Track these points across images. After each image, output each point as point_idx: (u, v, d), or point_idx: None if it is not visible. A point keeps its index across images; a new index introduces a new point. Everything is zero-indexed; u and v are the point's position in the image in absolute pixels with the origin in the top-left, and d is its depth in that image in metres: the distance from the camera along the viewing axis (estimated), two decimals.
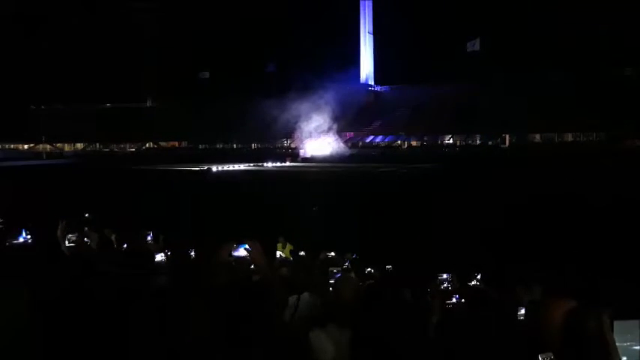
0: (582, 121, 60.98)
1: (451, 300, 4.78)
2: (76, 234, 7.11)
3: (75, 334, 2.84)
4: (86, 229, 8.54)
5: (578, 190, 23.03)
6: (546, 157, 48.15)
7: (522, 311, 4.68)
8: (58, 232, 5.94)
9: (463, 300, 4.39)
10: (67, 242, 6.08)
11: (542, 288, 5.26)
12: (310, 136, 72.66)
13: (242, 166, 51.36)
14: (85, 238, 7.07)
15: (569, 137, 66.93)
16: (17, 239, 6.25)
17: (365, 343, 2.93)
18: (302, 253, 9.52)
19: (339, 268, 6.02)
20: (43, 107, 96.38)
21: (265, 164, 55.40)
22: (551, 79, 68.24)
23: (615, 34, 66.21)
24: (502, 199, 20.83)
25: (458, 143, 73.36)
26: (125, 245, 6.77)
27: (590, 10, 67.60)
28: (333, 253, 8.85)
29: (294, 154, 67.19)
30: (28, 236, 6.47)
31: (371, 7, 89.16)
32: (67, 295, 3.25)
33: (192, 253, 6.50)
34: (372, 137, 77.97)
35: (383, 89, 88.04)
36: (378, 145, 75.95)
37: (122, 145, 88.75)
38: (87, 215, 11.42)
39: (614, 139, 56.78)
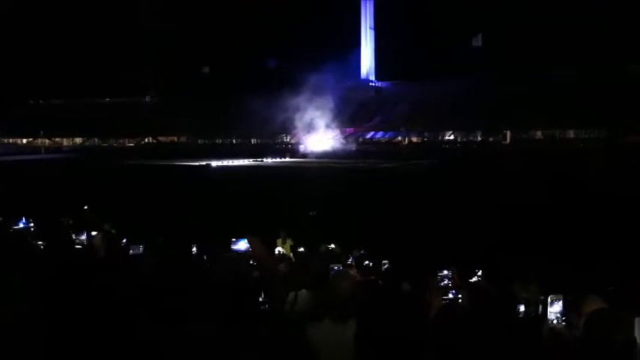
0: (584, 118, 60.90)
1: (448, 295, 4.78)
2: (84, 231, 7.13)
3: (74, 328, 2.83)
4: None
5: (580, 187, 23.05)
6: (548, 154, 48.15)
7: (522, 308, 4.68)
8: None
9: (460, 296, 4.39)
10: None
11: (538, 286, 5.27)
12: (310, 131, 72.62)
13: (242, 162, 51.35)
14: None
15: (572, 134, 66.86)
16: (17, 225, 6.53)
17: (365, 337, 2.93)
18: (301, 249, 9.51)
19: (340, 265, 6.01)
20: (41, 102, 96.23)
21: (265, 160, 55.39)
22: (553, 75, 68.12)
23: (619, 30, 66.03)
24: (503, 195, 20.83)
25: (459, 139, 73.33)
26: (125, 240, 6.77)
27: (593, 6, 67.39)
28: (333, 245, 8.85)
29: (293, 150, 67.13)
30: (31, 223, 6.65)
31: (372, 3, 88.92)
32: (70, 289, 3.25)
33: (195, 249, 6.51)
34: (372, 133, 77.89)
35: (383, 85, 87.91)
36: (378, 141, 75.91)
37: (121, 140, 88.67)
38: (85, 208, 11.44)
39: (617, 136, 56.71)
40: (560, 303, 3.20)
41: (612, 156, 41.72)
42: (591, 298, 3.01)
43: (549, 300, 3.20)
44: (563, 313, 3.18)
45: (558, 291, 3.39)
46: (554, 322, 3.18)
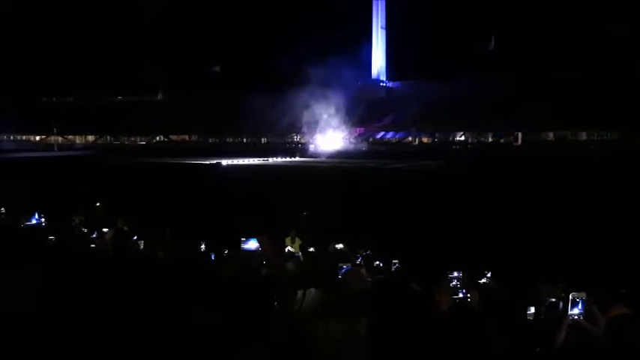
0: (596, 120, 60.25)
1: (458, 295, 4.78)
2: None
3: (79, 326, 2.85)
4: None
5: (591, 188, 22.80)
6: (560, 155, 47.68)
7: (532, 310, 4.64)
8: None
9: (469, 295, 4.38)
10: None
11: (564, 285, 5.21)
12: (320, 131, 72.64)
13: (251, 161, 51.48)
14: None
15: (583, 136, 66.18)
16: (30, 221, 6.56)
17: (375, 335, 2.92)
18: (312, 249, 9.49)
19: (349, 264, 6.01)
20: (54, 99, 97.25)
21: (274, 159, 55.44)
22: (564, 76, 67.47)
23: (630, 32, 65.24)
24: (515, 197, 20.68)
25: (469, 140, 72.88)
26: (135, 237, 6.81)
27: (604, 8, 66.67)
28: (342, 245, 8.84)
29: (303, 149, 67.15)
30: (42, 219, 6.70)
31: (384, 3, 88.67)
32: (76, 287, 3.27)
33: (203, 246, 6.55)
34: (382, 133, 77.67)
35: (395, 85, 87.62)
36: (388, 141, 75.68)
37: (132, 138, 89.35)
38: (97, 205, 11.54)
39: (629, 138, 56.01)
40: (582, 301, 3.25)
41: (624, 157, 41.18)
42: (614, 303, 3.04)
43: (571, 297, 3.24)
44: (585, 309, 3.22)
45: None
46: (576, 317, 3.23)
